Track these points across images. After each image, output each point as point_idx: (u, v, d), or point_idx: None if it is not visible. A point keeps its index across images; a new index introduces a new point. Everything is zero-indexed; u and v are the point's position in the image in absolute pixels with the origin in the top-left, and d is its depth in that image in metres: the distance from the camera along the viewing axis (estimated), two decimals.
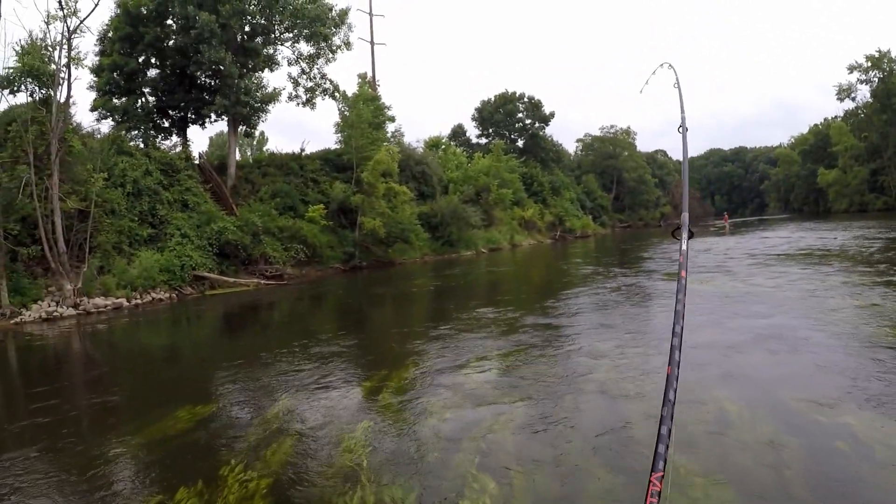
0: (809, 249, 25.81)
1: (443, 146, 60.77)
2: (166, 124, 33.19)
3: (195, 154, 32.29)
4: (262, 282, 24.90)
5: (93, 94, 31.43)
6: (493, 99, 76.26)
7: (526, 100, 75.68)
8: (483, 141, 74.55)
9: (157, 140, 31.64)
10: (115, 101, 30.98)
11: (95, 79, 31.09)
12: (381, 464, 5.94)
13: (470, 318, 15.09)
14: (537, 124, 76.07)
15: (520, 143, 75.33)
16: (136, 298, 18.65)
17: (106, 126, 29.89)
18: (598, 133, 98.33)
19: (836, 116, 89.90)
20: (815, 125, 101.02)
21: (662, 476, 2.01)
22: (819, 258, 21.52)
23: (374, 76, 47.20)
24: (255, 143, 63.35)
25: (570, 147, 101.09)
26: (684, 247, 3.07)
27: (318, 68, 36.88)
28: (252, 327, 16.68)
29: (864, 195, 74.81)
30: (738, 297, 14.30)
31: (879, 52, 65.61)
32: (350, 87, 41.92)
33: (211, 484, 5.48)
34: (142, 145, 28.07)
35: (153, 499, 5.24)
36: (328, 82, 37.47)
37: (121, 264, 18.96)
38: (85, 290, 17.15)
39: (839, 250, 24.34)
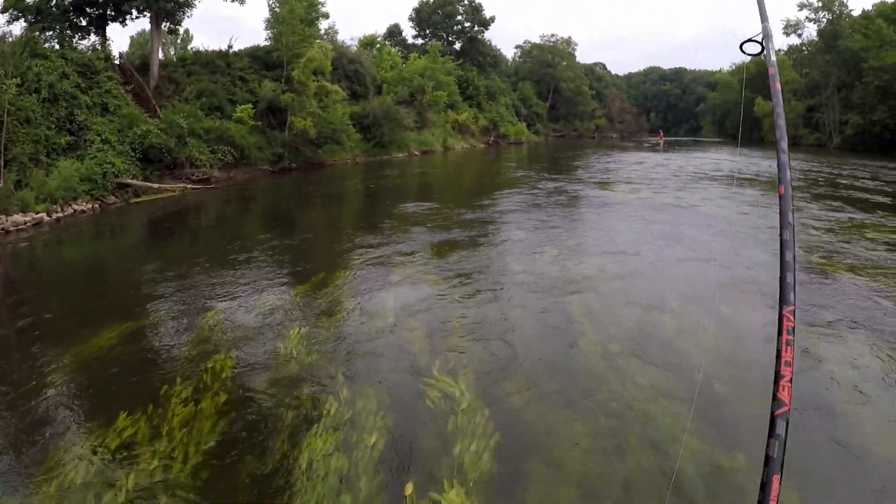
0: (731, 172, 26.98)
1: (378, 45, 59.49)
2: (84, 23, 30.97)
3: (115, 54, 30.74)
4: (189, 186, 24.62)
5: None
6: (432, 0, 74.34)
7: (466, 2, 73.85)
8: (420, 42, 72.92)
9: (74, 40, 29.67)
10: None
11: None
12: (325, 363, 6.41)
13: (402, 216, 15.78)
14: (476, 28, 74.60)
15: (457, 45, 73.91)
16: (56, 212, 18.15)
17: (18, 28, 28.25)
18: (537, 41, 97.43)
19: (780, 50, 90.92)
20: (758, 55, 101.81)
21: (794, 310, 2.08)
22: (733, 181, 22.64)
23: None
24: (179, 41, 60.69)
25: (509, 53, 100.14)
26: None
27: None
28: (180, 234, 16.81)
29: (798, 129, 76.70)
30: (655, 205, 15.35)
31: None
32: None
33: (153, 406, 5.68)
34: (57, 46, 26.48)
35: (93, 426, 5.41)
36: None
37: (38, 176, 18.22)
38: (2, 207, 16.58)
39: (754, 176, 25.53)
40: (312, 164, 34.37)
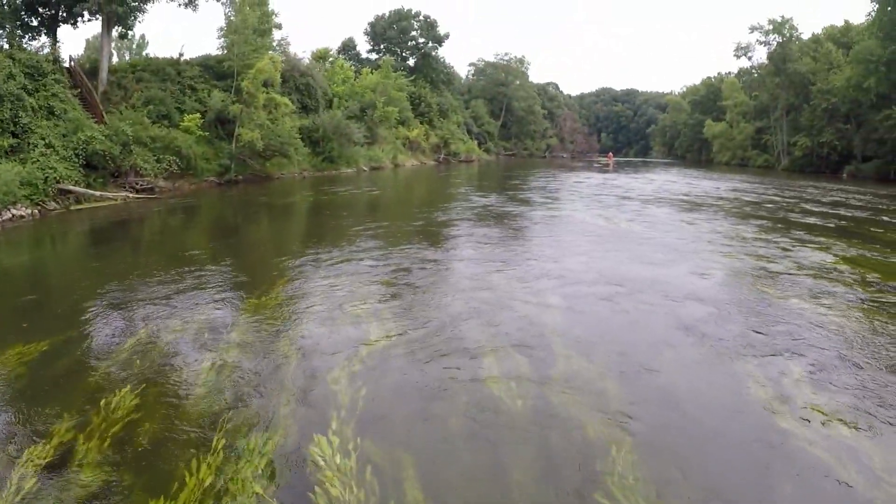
0: (671, 194, 28.05)
1: (331, 59, 59.81)
2: (35, 23, 30.97)
3: (65, 57, 30.46)
4: (132, 195, 24.61)
5: None
6: (387, 14, 75.00)
7: (421, 18, 74.86)
8: (374, 56, 73.72)
9: (25, 40, 29.62)
10: None
11: None
12: (252, 392, 6.39)
13: (345, 233, 16.37)
14: (430, 44, 75.63)
15: (411, 61, 74.93)
16: None
17: None
18: (491, 59, 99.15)
19: (729, 72, 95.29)
20: (708, 78, 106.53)
21: None
22: (679, 203, 23.53)
23: None
24: (134, 46, 60.19)
25: (463, 70, 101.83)
26: None
27: None
28: (120, 245, 16.68)
29: (747, 151, 79.80)
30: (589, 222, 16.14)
31: (783, 17, 68.14)
32: None
33: (85, 416, 5.78)
34: (6, 46, 26.28)
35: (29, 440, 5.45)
36: None
37: None
38: None
39: (695, 198, 26.61)
40: (259, 177, 34.51)
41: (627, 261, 13.23)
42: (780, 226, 19.54)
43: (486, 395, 6.54)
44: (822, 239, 16.66)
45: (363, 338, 8.05)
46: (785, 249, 15.06)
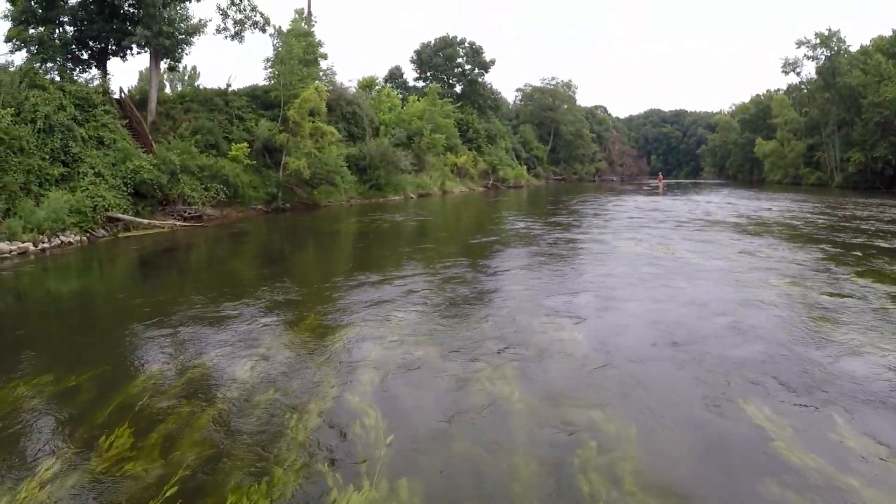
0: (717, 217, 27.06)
1: (377, 87, 60.16)
2: (85, 56, 31.81)
3: (114, 88, 31.01)
4: (179, 223, 24.73)
5: (7, 24, 29.47)
6: (433, 42, 75.34)
7: (467, 45, 75.10)
8: (420, 84, 74.02)
9: (75, 73, 30.45)
10: (30, 30, 29.17)
11: (10, 7, 29.18)
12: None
13: (391, 259, 15.98)
14: (476, 70, 75.76)
15: (458, 88, 75.08)
16: (43, 242, 18.17)
17: (20, 58, 28.87)
18: (538, 84, 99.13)
19: (778, 89, 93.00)
20: (757, 95, 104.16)
21: None
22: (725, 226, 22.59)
23: (309, 11, 46.15)
24: (186, 78, 61.60)
25: (510, 96, 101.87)
26: None
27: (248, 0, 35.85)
28: (167, 272, 16.60)
29: (799, 169, 77.56)
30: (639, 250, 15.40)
31: (829, 30, 66.49)
32: (285, 22, 40.65)
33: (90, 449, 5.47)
34: (57, 78, 26.88)
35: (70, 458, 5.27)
36: (259, 15, 36.35)
37: (27, 206, 18.41)
38: None
39: (748, 221, 25.60)
40: (306, 204, 34.47)
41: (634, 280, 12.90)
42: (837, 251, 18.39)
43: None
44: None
45: (414, 375, 7.47)
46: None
